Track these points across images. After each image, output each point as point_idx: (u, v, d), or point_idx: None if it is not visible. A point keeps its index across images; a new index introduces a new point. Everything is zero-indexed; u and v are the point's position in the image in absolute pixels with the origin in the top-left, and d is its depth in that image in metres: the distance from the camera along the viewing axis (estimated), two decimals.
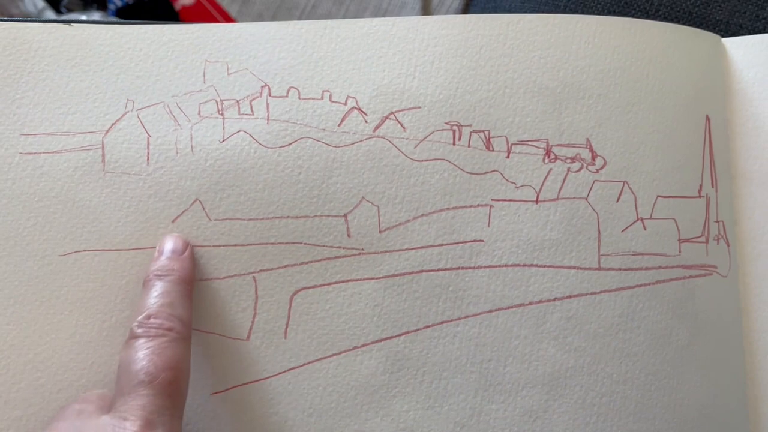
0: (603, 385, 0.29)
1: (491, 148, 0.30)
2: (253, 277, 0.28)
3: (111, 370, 0.27)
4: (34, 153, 0.28)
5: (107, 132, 0.29)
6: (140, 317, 0.25)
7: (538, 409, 0.29)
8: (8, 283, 0.28)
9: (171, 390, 0.24)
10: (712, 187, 0.32)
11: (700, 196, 0.31)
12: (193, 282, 0.28)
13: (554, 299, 0.29)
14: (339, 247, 0.29)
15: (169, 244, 0.28)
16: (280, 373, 0.28)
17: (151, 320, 0.25)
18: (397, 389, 0.28)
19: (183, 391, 0.25)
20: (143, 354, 0.24)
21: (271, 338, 0.28)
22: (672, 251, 0.30)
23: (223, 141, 0.29)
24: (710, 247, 0.31)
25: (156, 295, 0.26)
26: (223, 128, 0.29)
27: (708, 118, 0.32)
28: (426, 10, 0.89)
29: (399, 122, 0.29)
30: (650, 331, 0.30)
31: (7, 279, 0.28)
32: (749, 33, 0.37)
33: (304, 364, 0.28)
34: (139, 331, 0.25)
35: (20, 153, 0.28)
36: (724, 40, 0.34)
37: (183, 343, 0.25)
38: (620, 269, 0.30)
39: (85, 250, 0.28)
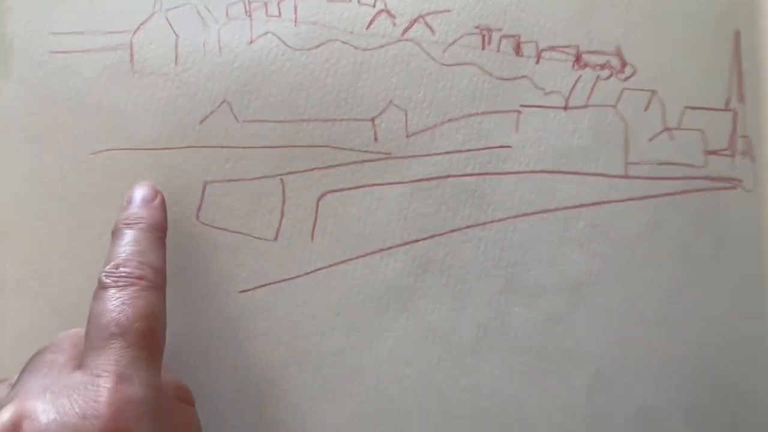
0: (626, 292, 0.29)
1: (521, 54, 0.29)
2: (281, 178, 0.29)
3: None
4: (63, 52, 0.28)
5: (135, 32, 0.29)
6: (108, 267, 0.24)
7: (561, 313, 0.29)
8: (39, 180, 0.28)
9: (145, 341, 0.22)
10: (740, 101, 0.32)
11: (727, 109, 0.31)
12: (164, 229, 0.27)
13: (580, 206, 0.29)
14: (366, 151, 0.29)
15: (138, 193, 0.27)
16: (307, 273, 0.28)
17: (120, 269, 0.24)
18: (422, 291, 0.29)
19: (159, 340, 0.23)
20: (113, 305, 0.23)
21: (298, 239, 0.28)
22: (698, 162, 0.30)
23: (251, 43, 0.29)
24: (736, 161, 0.31)
25: (125, 243, 0.25)
26: (251, 30, 0.29)
27: (738, 33, 0.32)
28: None
29: (428, 25, 0.29)
30: (675, 240, 0.30)
31: (38, 177, 0.28)
32: None
33: (330, 265, 0.29)
34: (108, 281, 0.23)
35: (49, 51, 0.28)
36: None
37: (156, 292, 0.24)
38: (647, 178, 0.30)
39: (115, 149, 0.28)
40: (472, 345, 0.29)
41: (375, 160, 0.29)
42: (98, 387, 0.21)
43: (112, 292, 0.23)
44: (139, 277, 0.24)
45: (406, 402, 0.28)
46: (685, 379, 0.29)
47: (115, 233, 0.26)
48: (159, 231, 0.26)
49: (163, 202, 0.27)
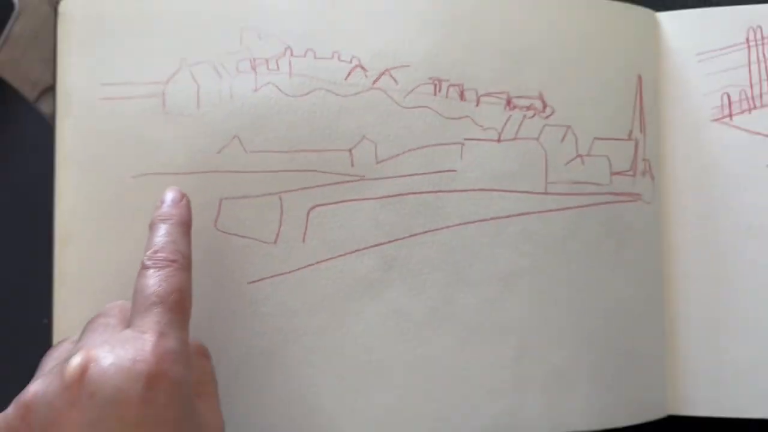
0: (546, 282, 0.38)
1: (464, 99, 0.38)
2: (279, 196, 0.37)
3: None
4: (111, 98, 0.37)
5: (167, 83, 0.37)
6: (149, 252, 0.30)
7: (495, 298, 0.38)
8: (93, 198, 0.36)
9: (178, 308, 0.29)
10: (641, 132, 0.40)
11: (630, 139, 0.40)
12: (190, 224, 0.33)
13: (510, 216, 0.38)
14: (345, 174, 0.37)
15: (169, 195, 0.33)
16: (299, 268, 0.37)
17: (158, 254, 0.30)
18: (388, 282, 0.37)
19: (188, 308, 0.30)
20: (154, 281, 0.29)
21: (293, 242, 0.37)
22: (605, 181, 0.39)
23: (256, 91, 0.37)
24: (637, 180, 0.40)
25: (161, 234, 0.31)
26: (256, 81, 0.37)
27: (640, 77, 0.41)
28: None
29: (392, 77, 0.37)
30: (585, 242, 0.38)
31: (92, 195, 0.36)
32: (685, 8, 0.44)
33: (318, 262, 0.37)
34: (149, 263, 0.30)
35: (100, 98, 0.37)
36: (659, 14, 0.42)
37: (185, 272, 0.30)
38: (563, 194, 0.38)
39: (151, 173, 0.36)
40: (426, 323, 0.37)
41: (352, 181, 0.37)
42: (144, 341, 0.27)
43: (152, 271, 0.29)
44: (173, 261, 0.30)
45: (375, 367, 0.37)
46: (589, 348, 0.38)
47: (152, 226, 0.32)
48: (186, 225, 0.33)
49: (188, 203, 0.34)
